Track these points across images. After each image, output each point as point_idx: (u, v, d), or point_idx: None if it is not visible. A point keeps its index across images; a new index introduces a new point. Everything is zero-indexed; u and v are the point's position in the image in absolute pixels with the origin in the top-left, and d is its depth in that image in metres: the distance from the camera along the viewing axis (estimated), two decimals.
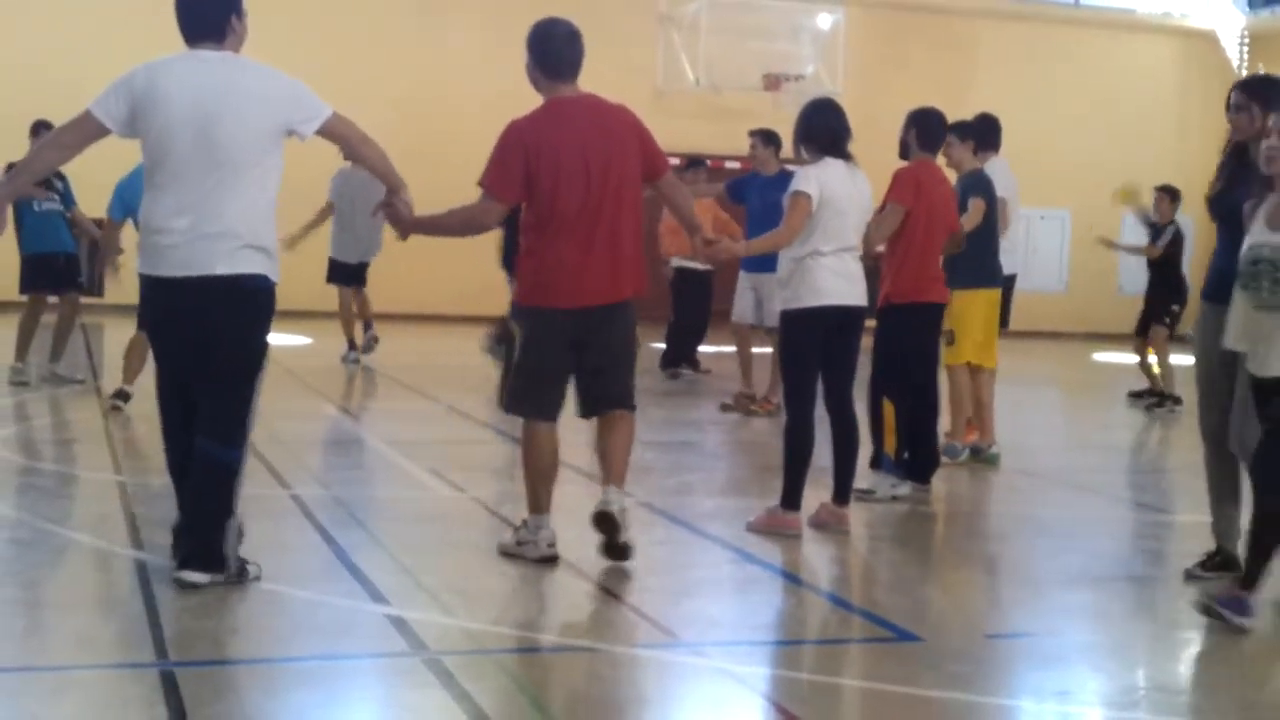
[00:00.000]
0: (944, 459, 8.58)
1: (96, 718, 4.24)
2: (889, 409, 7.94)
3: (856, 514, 7.31)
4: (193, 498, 5.50)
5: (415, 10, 20.64)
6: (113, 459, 8.60)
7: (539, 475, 6.20)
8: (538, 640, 5.26)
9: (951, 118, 8.69)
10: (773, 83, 21.67)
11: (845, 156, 7.02)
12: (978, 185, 9.00)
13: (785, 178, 8.26)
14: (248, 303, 5.50)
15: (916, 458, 8.05)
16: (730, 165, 18.15)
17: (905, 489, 7.97)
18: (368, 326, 14.32)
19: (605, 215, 6.02)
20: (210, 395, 5.52)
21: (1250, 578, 5.51)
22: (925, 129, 8.08)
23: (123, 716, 4.26)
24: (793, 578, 6.43)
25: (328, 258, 14.18)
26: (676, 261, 13.47)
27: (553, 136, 5.98)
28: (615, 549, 6.13)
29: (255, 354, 5.57)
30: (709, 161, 14.74)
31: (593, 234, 6.01)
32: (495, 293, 19.75)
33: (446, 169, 18.26)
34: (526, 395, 6.20)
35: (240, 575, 5.53)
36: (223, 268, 5.40)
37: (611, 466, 6.22)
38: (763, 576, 6.38)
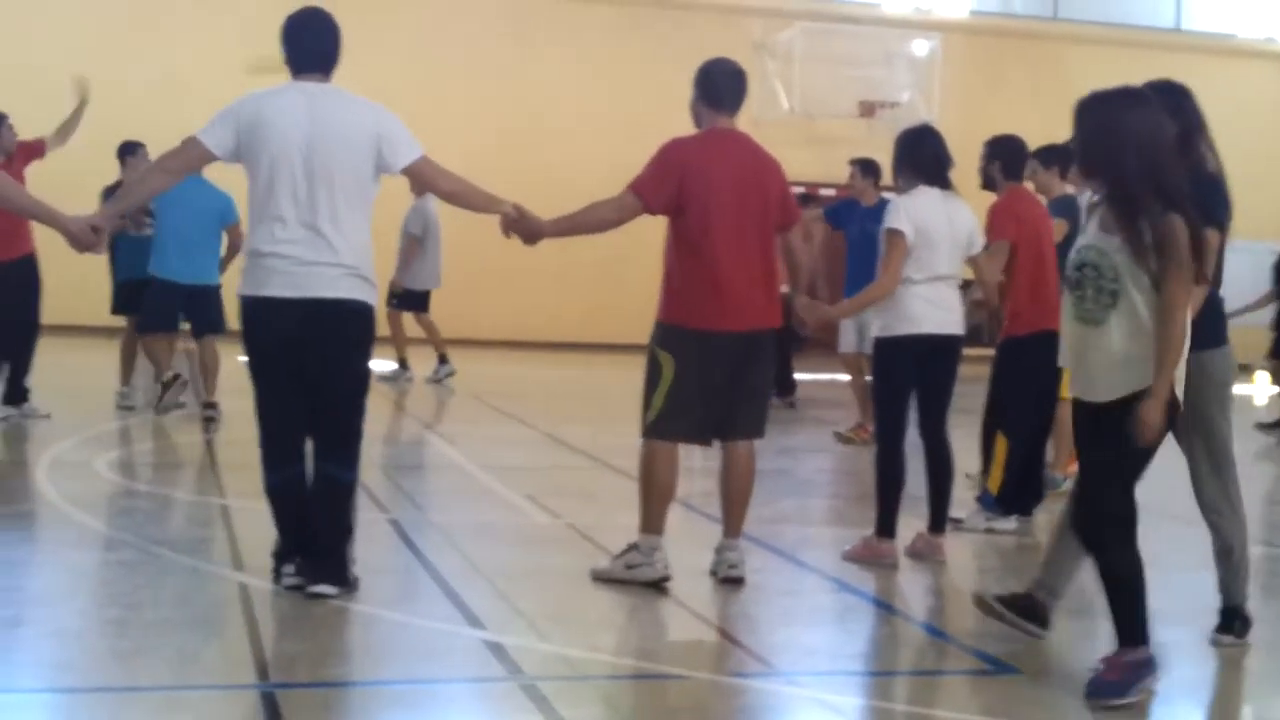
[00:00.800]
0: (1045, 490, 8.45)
1: None
2: (1001, 445, 7.83)
3: (955, 545, 7.24)
4: (323, 519, 5.74)
5: (511, 41, 20.80)
6: (215, 481, 8.73)
7: (660, 495, 6.22)
8: (634, 667, 5.25)
9: (1050, 143, 8.57)
10: (868, 109, 21.58)
11: (945, 185, 6.99)
12: (1064, 211, 8.82)
13: (885, 207, 8.21)
14: (351, 327, 5.71)
15: (1022, 489, 7.93)
16: (825, 192, 18.09)
17: (1009, 524, 7.84)
18: (405, 361, 14.62)
19: (758, 243, 6.17)
20: (326, 422, 5.76)
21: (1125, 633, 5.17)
22: (1007, 158, 7.97)
23: None
24: (889, 607, 6.38)
25: (395, 285, 14.29)
26: None
27: (710, 161, 6.13)
28: (730, 580, 6.33)
29: (361, 377, 5.83)
30: (804, 189, 14.69)
31: (749, 259, 6.13)
32: (590, 317, 19.97)
33: (542, 195, 18.44)
34: (674, 419, 6.17)
35: (355, 587, 5.79)
36: (329, 291, 5.60)
37: (738, 515, 6.37)
38: (859, 606, 6.34)
